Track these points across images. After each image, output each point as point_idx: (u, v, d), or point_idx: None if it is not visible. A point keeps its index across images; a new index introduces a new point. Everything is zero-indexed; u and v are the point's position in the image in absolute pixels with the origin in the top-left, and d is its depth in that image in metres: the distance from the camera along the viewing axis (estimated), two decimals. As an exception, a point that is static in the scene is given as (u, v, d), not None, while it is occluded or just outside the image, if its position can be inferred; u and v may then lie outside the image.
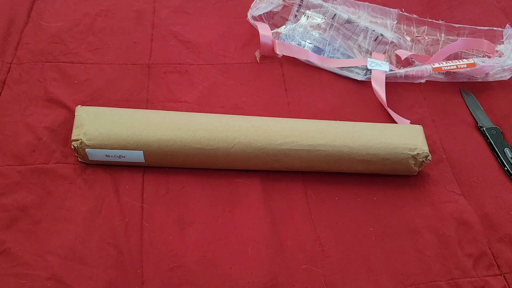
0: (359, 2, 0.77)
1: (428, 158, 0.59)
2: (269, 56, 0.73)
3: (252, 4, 0.76)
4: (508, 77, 0.73)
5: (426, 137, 0.62)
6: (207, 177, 0.58)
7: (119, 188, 0.56)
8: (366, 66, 0.72)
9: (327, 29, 0.75)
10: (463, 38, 0.78)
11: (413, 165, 0.59)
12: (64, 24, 0.71)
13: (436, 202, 0.60)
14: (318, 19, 0.75)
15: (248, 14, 0.76)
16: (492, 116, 0.71)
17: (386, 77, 0.71)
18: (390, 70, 0.72)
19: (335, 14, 0.74)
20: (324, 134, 0.57)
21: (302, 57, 0.73)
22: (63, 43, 0.69)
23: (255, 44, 0.74)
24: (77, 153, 0.55)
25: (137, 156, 0.55)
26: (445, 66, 0.72)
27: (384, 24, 0.77)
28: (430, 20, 0.78)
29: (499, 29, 0.78)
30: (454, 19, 0.83)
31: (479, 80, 0.74)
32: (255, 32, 0.75)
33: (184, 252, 0.52)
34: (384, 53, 0.75)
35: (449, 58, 0.76)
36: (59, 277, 0.49)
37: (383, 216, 0.59)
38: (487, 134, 0.68)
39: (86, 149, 0.54)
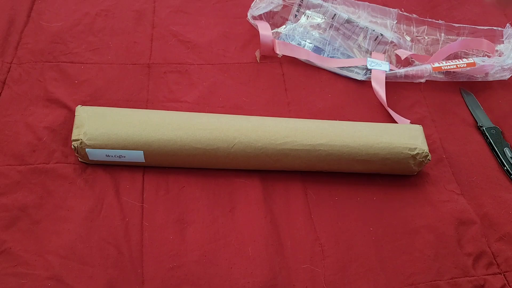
0: (359, 2, 0.77)
1: (428, 158, 0.59)
2: (269, 56, 0.73)
3: (252, 4, 0.76)
4: (508, 76, 0.73)
5: (426, 136, 0.62)
6: (207, 177, 0.59)
7: (119, 188, 0.56)
8: (366, 65, 0.72)
9: (327, 29, 0.75)
10: (463, 38, 0.78)
11: (413, 165, 0.59)
12: (64, 24, 0.71)
13: (436, 201, 0.60)
14: (318, 19, 0.75)
15: (248, 14, 0.76)
16: (491, 115, 0.71)
17: (386, 77, 0.71)
18: (390, 69, 0.72)
19: (335, 14, 0.74)
20: (324, 134, 0.57)
21: (302, 56, 0.73)
22: (63, 43, 0.69)
23: (255, 44, 0.74)
24: (77, 153, 0.55)
25: (137, 156, 0.55)
26: (445, 66, 0.72)
27: (384, 24, 0.77)
28: (430, 20, 0.78)
29: (499, 28, 0.78)
30: (454, 19, 0.83)
31: (479, 80, 0.74)
32: (255, 32, 0.75)
33: (184, 252, 0.53)
34: (384, 53, 0.75)
35: (449, 58, 0.76)
36: (60, 276, 0.49)
37: (383, 216, 0.59)
38: (486, 134, 0.68)
39: (86, 149, 0.54)
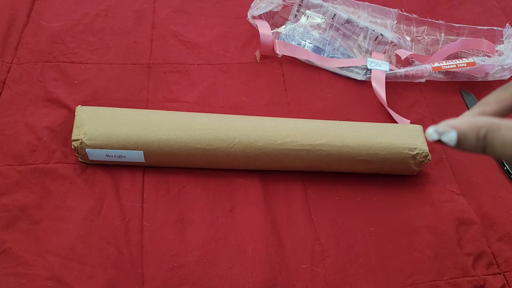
0: (359, 2, 0.77)
1: (428, 158, 0.59)
2: (269, 56, 0.73)
3: (252, 4, 0.76)
4: (508, 76, 0.73)
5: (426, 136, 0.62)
6: (207, 177, 0.59)
7: (119, 188, 0.56)
8: (366, 65, 0.72)
9: (327, 29, 0.75)
10: (463, 38, 0.78)
11: (413, 165, 0.59)
12: (64, 24, 0.71)
13: (436, 201, 0.60)
14: (318, 19, 0.75)
15: (248, 14, 0.76)
16: (492, 115, 0.71)
17: (386, 77, 0.71)
18: (390, 69, 0.72)
19: (335, 14, 0.74)
20: (324, 134, 0.57)
21: (302, 56, 0.73)
22: (63, 43, 0.69)
23: (255, 44, 0.74)
24: (77, 153, 0.55)
25: (137, 156, 0.55)
26: (445, 65, 0.72)
27: (384, 24, 0.77)
28: (430, 20, 0.78)
29: (499, 28, 0.78)
30: (454, 19, 0.83)
31: (479, 80, 0.74)
32: (255, 32, 0.75)
33: (184, 252, 0.53)
34: (384, 53, 0.75)
35: (449, 58, 0.76)
36: (60, 276, 0.49)
37: (383, 216, 0.59)
38: (487, 134, 0.68)
39: (86, 149, 0.54)
